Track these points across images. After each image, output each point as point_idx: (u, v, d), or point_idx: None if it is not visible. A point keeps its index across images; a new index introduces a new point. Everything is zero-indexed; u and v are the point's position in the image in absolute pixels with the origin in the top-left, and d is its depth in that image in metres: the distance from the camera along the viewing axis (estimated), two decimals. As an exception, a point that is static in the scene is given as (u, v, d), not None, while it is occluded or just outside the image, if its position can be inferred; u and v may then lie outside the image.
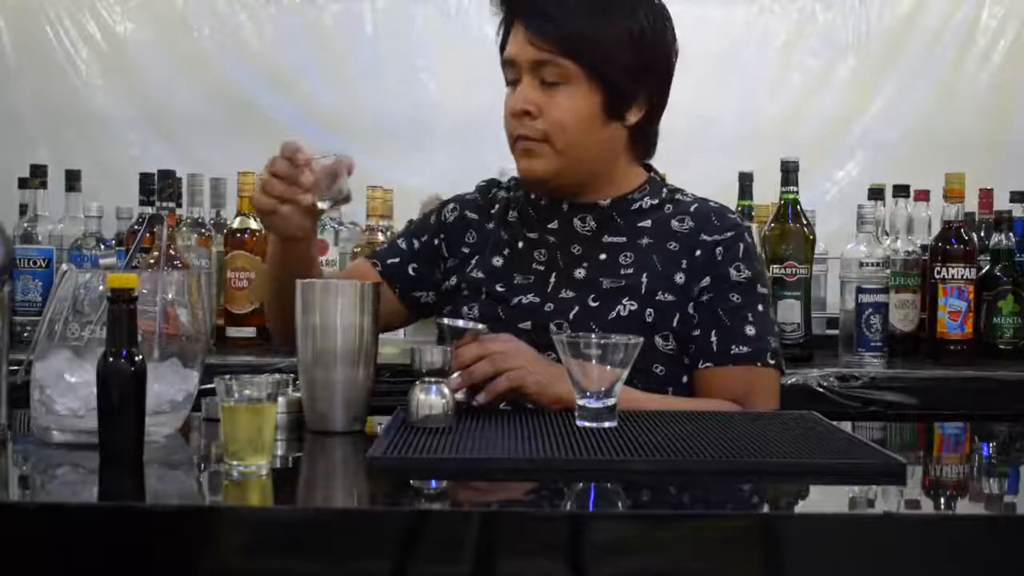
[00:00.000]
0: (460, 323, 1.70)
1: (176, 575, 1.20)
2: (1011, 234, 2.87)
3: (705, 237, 1.88)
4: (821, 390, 2.54)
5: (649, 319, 1.83)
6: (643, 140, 1.94)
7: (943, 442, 1.95)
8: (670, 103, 1.96)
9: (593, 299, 1.85)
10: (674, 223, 1.91)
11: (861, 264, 2.80)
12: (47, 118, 3.40)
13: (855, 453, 1.45)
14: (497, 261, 1.94)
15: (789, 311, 2.75)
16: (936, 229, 2.84)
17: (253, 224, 2.80)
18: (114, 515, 1.22)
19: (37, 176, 2.94)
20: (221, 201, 2.91)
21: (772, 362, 1.87)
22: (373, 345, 1.64)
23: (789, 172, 2.75)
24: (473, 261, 1.96)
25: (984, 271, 2.85)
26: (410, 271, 2.01)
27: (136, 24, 3.43)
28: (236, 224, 2.83)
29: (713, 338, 1.85)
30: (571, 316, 1.84)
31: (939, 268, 2.76)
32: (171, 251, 2.56)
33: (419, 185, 3.02)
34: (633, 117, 1.89)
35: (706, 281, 1.86)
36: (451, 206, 2.05)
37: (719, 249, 1.87)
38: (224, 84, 3.42)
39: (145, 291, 1.52)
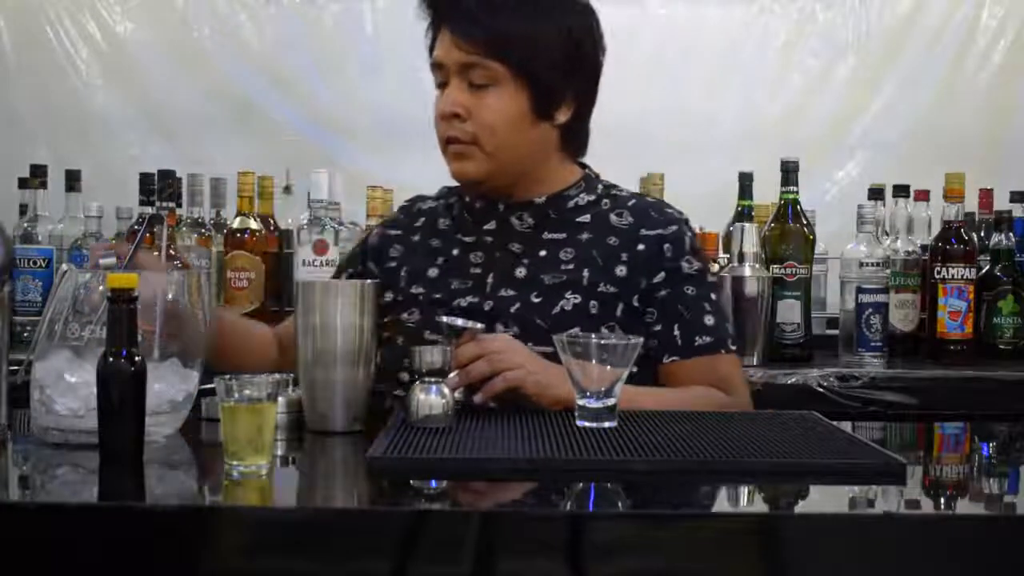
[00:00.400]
0: (459, 322, 1.70)
1: (176, 575, 1.20)
2: (1011, 234, 2.87)
3: (646, 232, 1.91)
4: (821, 390, 2.54)
5: (593, 311, 1.85)
6: (574, 138, 1.96)
7: (943, 442, 1.96)
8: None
9: (536, 295, 1.86)
10: (613, 217, 1.93)
11: (861, 264, 2.80)
12: (47, 118, 3.40)
13: (855, 453, 1.45)
14: (432, 272, 1.94)
15: (789, 311, 2.74)
16: (936, 229, 2.84)
17: (253, 224, 2.80)
18: (114, 515, 1.22)
19: (37, 176, 2.94)
20: (221, 201, 2.91)
21: (733, 348, 1.92)
22: (373, 345, 1.64)
23: (789, 172, 2.74)
24: (402, 273, 1.97)
25: (984, 271, 2.85)
26: None
27: (136, 24, 3.43)
28: (236, 224, 2.83)
29: (676, 332, 1.87)
30: (513, 312, 1.85)
31: (939, 268, 2.76)
32: (171, 251, 2.55)
33: (419, 185, 3.01)
34: (563, 116, 1.91)
35: (660, 277, 1.88)
36: (374, 231, 2.08)
37: (667, 245, 1.90)
38: (224, 84, 3.42)
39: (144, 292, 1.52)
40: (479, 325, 1.70)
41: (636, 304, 1.88)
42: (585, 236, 1.91)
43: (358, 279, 1.99)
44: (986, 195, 2.97)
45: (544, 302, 1.85)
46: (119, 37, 3.43)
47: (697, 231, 2.95)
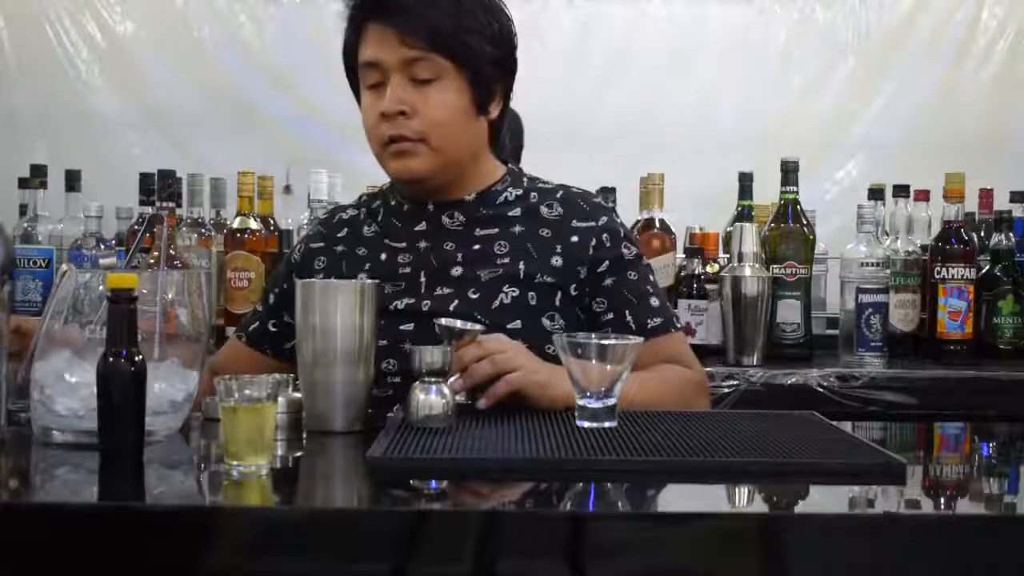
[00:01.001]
0: (459, 324, 1.69)
1: (176, 575, 1.20)
2: (1011, 234, 2.87)
3: (577, 223, 1.92)
4: (821, 390, 2.54)
5: (533, 302, 1.87)
6: (496, 134, 1.98)
7: (943, 442, 1.95)
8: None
9: (473, 292, 1.87)
10: (543, 209, 1.94)
11: (861, 264, 2.80)
12: (47, 118, 3.40)
13: (855, 453, 1.45)
14: (361, 277, 1.93)
15: (789, 311, 2.75)
16: (936, 229, 2.84)
17: (253, 224, 2.80)
18: (114, 515, 1.22)
19: (37, 176, 2.94)
20: (221, 201, 2.91)
21: (680, 326, 1.98)
22: (373, 345, 1.64)
23: (789, 172, 2.75)
24: None
25: (984, 271, 2.85)
26: (271, 327, 2.01)
27: (136, 24, 3.44)
28: (236, 224, 2.83)
29: (628, 318, 1.90)
30: (451, 309, 1.85)
31: (939, 268, 2.76)
32: (171, 251, 2.55)
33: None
34: (495, 111, 1.93)
35: (604, 266, 1.90)
36: (297, 248, 2.07)
37: (604, 236, 1.92)
38: (224, 84, 3.42)
39: (145, 291, 1.52)
40: (478, 327, 1.70)
41: (574, 293, 1.89)
42: (517, 229, 1.92)
43: (278, 296, 2.00)
44: (986, 195, 2.97)
45: (482, 297, 1.87)
46: (119, 37, 3.43)
47: (697, 231, 3.00)
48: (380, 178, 2.96)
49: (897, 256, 2.85)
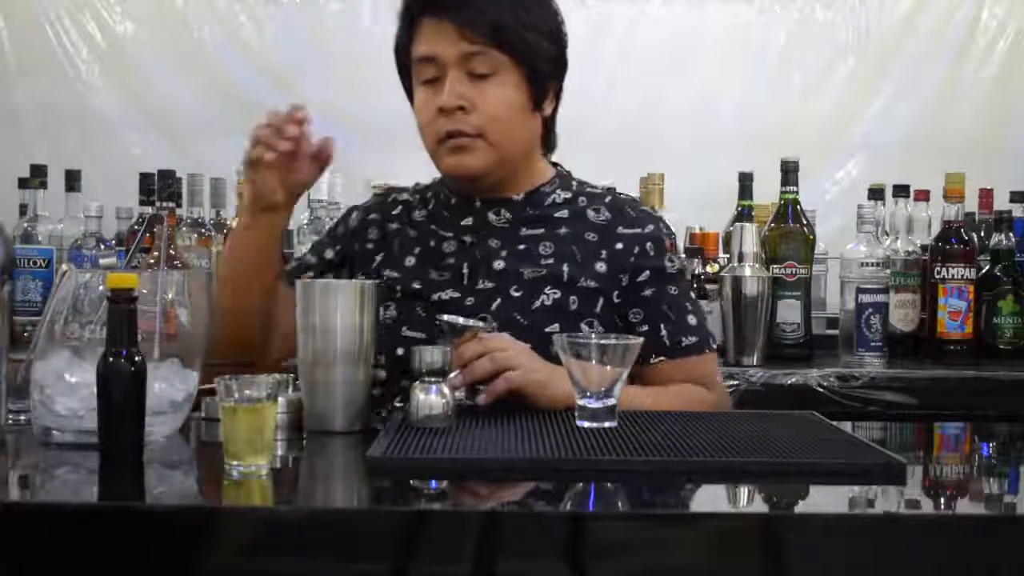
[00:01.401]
0: (460, 320, 1.69)
1: (176, 575, 1.20)
2: (1011, 234, 2.87)
3: (624, 230, 1.91)
4: (821, 390, 2.54)
5: (574, 307, 1.86)
6: (549, 133, 1.98)
7: (943, 442, 1.95)
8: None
9: (515, 289, 1.87)
10: (591, 213, 1.93)
11: (861, 264, 2.80)
12: (47, 118, 3.40)
13: (855, 453, 1.45)
14: (409, 260, 1.94)
15: (789, 311, 2.75)
16: (936, 229, 2.84)
17: (253, 224, 2.79)
18: (114, 515, 1.22)
19: (37, 176, 2.94)
20: (221, 201, 2.91)
21: (714, 346, 1.95)
22: (373, 345, 1.64)
23: (789, 172, 2.75)
24: (378, 258, 1.97)
25: (984, 271, 2.85)
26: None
27: (136, 24, 3.43)
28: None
29: (663, 332, 1.89)
30: (493, 308, 1.85)
31: (939, 268, 2.76)
32: (171, 251, 2.56)
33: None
34: (548, 108, 1.93)
35: (645, 276, 1.89)
36: (354, 214, 2.07)
37: (648, 244, 1.91)
38: (224, 84, 3.42)
39: (145, 291, 1.52)
40: (480, 323, 1.70)
41: (616, 300, 1.88)
42: (563, 231, 1.92)
43: (337, 258, 2.00)
44: (986, 195, 2.97)
45: (524, 296, 1.86)
46: (119, 37, 3.43)
47: (697, 231, 2.99)
48: (381, 178, 2.98)
49: (897, 256, 2.85)
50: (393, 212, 2.02)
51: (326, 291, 1.64)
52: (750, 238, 2.69)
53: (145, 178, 2.81)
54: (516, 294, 1.86)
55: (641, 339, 1.55)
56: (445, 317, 1.70)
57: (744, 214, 2.90)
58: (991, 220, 2.93)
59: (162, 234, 2.05)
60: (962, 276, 2.75)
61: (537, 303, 1.85)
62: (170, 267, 2.44)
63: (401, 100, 3.32)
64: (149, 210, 2.73)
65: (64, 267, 1.59)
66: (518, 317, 1.82)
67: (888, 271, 2.81)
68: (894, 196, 2.94)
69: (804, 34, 3.45)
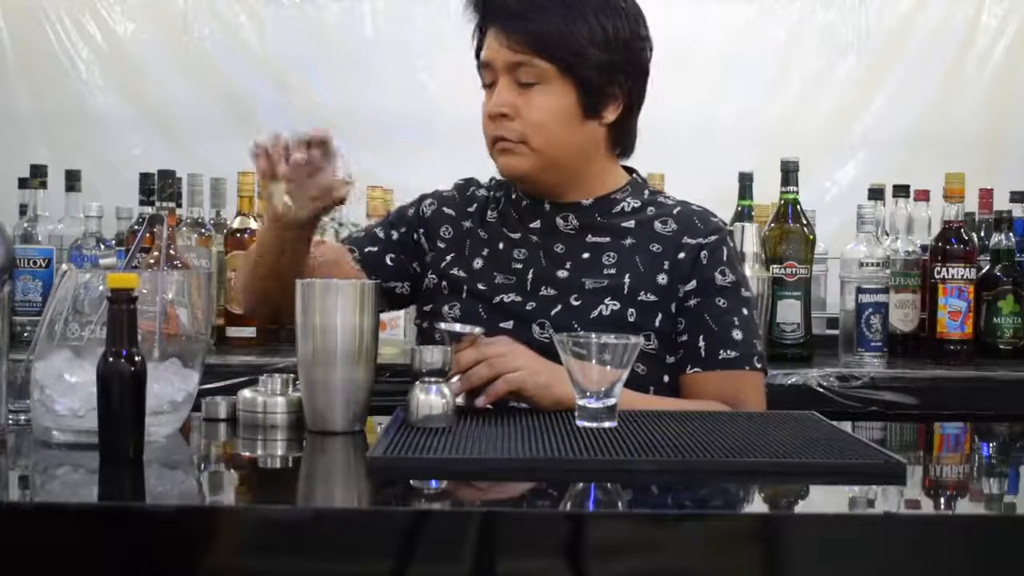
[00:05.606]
0: (457, 327, 1.70)
1: (176, 575, 1.20)
2: (1011, 234, 2.87)
3: (688, 240, 1.90)
4: (821, 390, 2.54)
5: (631, 319, 1.85)
6: (621, 139, 1.97)
7: (943, 442, 1.95)
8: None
9: (575, 298, 1.87)
10: (657, 224, 1.92)
11: (861, 264, 2.80)
12: (47, 118, 3.40)
13: (855, 453, 1.44)
14: (477, 262, 1.95)
15: (789, 311, 2.75)
16: (936, 229, 2.84)
17: (253, 224, 2.80)
18: (114, 515, 1.22)
19: (37, 176, 2.94)
20: (221, 201, 2.91)
21: (759, 366, 1.89)
22: (373, 345, 1.64)
23: (789, 172, 2.75)
24: (448, 257, 1.98)
25: (984, 271, 2.85)
26: (388, 261, 2.01)
27: (136, 24, 3.43)
28: (236, 224, 2.83)
29: (701, 343, 1.87)
30: (552, 315, 1.85)
31: (939, 268, 2.76)
32: (171, 251, 2.56)
33: (419, 185, 3.01)
34: (611, 115, 1.92)
35: (692, 285, 1.88)
36: (428, 200, 2.06)
37: (704, 253, 1.90)
38: (224, 84, 3.42)
39: (145, 291, 1.52)
40: (478, 330, 1.70)
41: (674, 312, 1.88)
42: (629, 242, 1.91)
43: (401, 239, 2.01)
44: (986, 195, 2.97)
45: (583, 306, 1.86)
46: (119, 37, 3.42)
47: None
48: (380, 178, 2.97)
49: (897, 256, 2.85)
50: (468, 209, 2.02)
51: (326, 290, 1.64)
52: (750, 238, 2.69)
53: (145, 178, 2.81)
54: (576, 303, 1.86)
55: (640, 339, 1.55)
56: (442, 325, 1.71)
57: (744, 214, 2.90)
58: (991, 220, 2.93)
59: (162, 234, 2.05)
60: (962, 276, 2.75)
61: (595, 313, 1.85)
62: (170, 267, 2.44)
63: (400, 101, 3.32)
64: (149, 210, 2.73)
65: (64, 267, 1.60)
66: (575, 326, 1.82)
67: (888, 271, 2.81)
68: (894, 196, 2.94)
69: (804, 34, 3.45)
